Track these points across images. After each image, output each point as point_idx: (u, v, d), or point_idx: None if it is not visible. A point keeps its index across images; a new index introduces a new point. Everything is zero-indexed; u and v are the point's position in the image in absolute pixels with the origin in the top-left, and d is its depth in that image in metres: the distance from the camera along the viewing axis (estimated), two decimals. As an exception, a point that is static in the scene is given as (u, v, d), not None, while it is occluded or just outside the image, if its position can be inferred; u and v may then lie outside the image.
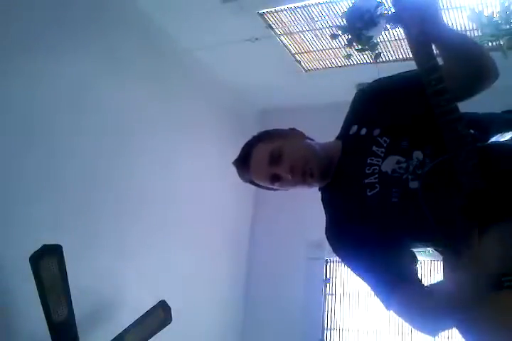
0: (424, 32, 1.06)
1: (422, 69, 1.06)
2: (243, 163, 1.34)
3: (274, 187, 1.34)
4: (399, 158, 1.20)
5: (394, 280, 1.16)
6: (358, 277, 1.25)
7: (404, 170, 1.19)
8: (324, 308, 3.75)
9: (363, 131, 1.28)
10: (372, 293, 1.21)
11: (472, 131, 1.06)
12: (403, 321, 1.18)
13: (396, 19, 1.09)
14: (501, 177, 1.04)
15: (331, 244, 1.29)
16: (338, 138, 1.37)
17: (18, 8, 2.31)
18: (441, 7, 2.89)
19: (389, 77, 1.32)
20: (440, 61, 1.12)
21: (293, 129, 1.39)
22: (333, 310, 3.75)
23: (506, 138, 1.10)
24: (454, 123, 1.04)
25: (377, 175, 1.21)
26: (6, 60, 2.25)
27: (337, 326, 3.73)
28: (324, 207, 1.35)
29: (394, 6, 1.09)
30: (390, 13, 1.11)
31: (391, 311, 1.18)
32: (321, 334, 3.70)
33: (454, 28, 3.00)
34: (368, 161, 1.23)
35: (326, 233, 1.31)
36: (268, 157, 1.28)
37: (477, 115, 1.22)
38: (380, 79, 1.34)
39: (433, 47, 1.09)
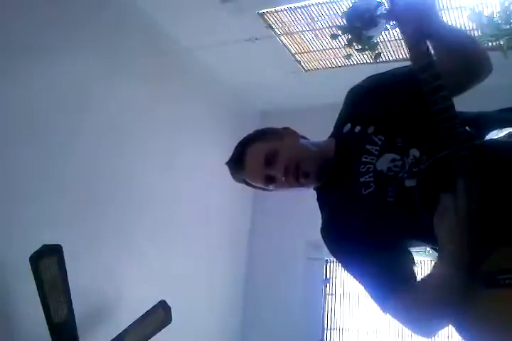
0: (420, 29, 1.05)
1: (418, 67, 1.06)
2: (237, 162, 1.32)
3: (269, 188, 1.32)
4: (394, 156, 1.19)
5: (391, 284, 1.14)
6: (353, 278, 1.24)
7: (399, 168, 1.18)
8: (324, 308, 3.75)
9: (357, 128, 1.27)
10: (368, 294, 1.20)
11: (468, 129, 1.06)
12: (399, 323, 1.18)
13: (391, 16, 1.09)
14: (499, 174, 1.04)
15: (327, 245, 1.28)
16: (331, 136, 1.36)
17: (17, 8, 2.31)
18: (440, 7, 2.89)
19: (381, 73, 1.31)
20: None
21: (286, 128, 1.37)
22: (333, 310, 3.76)
23: (502, 135, 1.10)
24: (451, 121, 1.04)
25: (371, 174, 1.20)
26: (6, 59, 2.25)
27: (337, 326, 3.73)
28: (320, 207, 1.34)
29: (389, 2, 1.08)
30: (385, 9, 1.10)
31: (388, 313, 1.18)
32: (321, 334, 3.70)
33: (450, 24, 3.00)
34: (363, 159, 1.22)
35: (321, 233, 1.29)
36: (263, 158, 1.26)
37: (473, 113, 1.22)
38: (372, 76, 1.33)
39: (428, 44, 1.09)
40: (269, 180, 1.28)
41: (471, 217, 1.04)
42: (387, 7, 1.10)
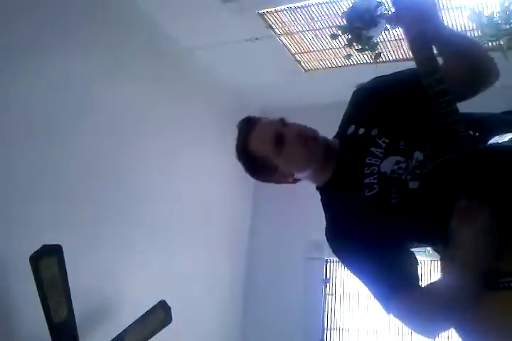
0: (424, 33, 1.06)
1: (423, 71, 1.06)
2: (248, 122, 1.32)
3: (268, 154, 1.27)
4: (399, 159, 1.19)
5: (394, 284, 1.15)
6: (357, 279, 1.24)
7: (403, 171, 1.18)
8: (324, 308, 3.75)
9: (361, 130, 1.27)
10: (372, 295, 1.20)
11: (472, 133, 1.06)
12: (402, 324, 1.18)
13: (395, 20, 1.09)
14: (500, 178, 1.04)
15: (331, 246, 1.28)
16: (335, 137, 1.36)
17: (17, 8, 2.31)
18: (440, 7, 2.89)
19: (386, 75, 1.32)
20: (440, 61, 1.12)
21: None
22: (333, 310, 3.76)
23: (505, 140, 1.10)
24: (454, 125, 1.04)
25: (376, 176, 1.21)
26: (7, 60, 2.25)
27: (337, 326, 3.73)
28: (324, 208, 1.34)
29: (393, 7, 1.09)
30: (390, 13, 1.11)
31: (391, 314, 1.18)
32: (321, 334, 3.70)
33: (454, 28, 3.00)
34: (367, 161, 1.23)
35: (325, 234, 1.29)
36: (277, 122, 1.29)
37: (477, 116, 1.22)
38: (376, 78, 1.33)
39: (433, 48, 1.09)
40: (278, 139, 1.25)
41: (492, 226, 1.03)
42: (391, 11, 1.10)
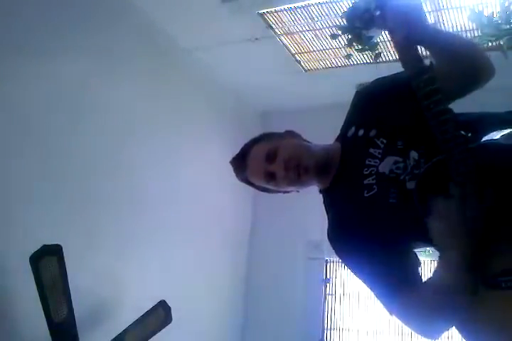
0: (409, 36, 1.06)
1: (410, 73, 1.07)
2: (240, 161, 1.36)
3: (270, 187, 1.35)
4: (396, 159, 1.20)
5: (395, 284, 1.15)
6: (359, 280, 1.24)
7: (401, 171, 1.18)
8: (324, 308, 3.75)
9: (361, 132, 1.28)
10: (374, 296, 1.21)
11: (463, 133, 1.06)
12: (404, 325, 1.18)
13: (381, 23, 1.10)
14: (495, 175, 1.04)
15: (333, 247, 1.28)
16: (337, 139, 1.37)
17: (14, 7, 2.31)
18: (440, 7, 2.89)
19: (385, 77, 1.33)
20: (433, 62, 1.12)
21: (290, 131, 1.41)
22: (333, 310, 3.76)
23: (498, 137, 1.10)
24: (445, 126, 1.04)
25: (374, 176, 1.21)
26: (2, 60, 2.24)
27: (337, 326, 3.73)
28: (326, 210, 1.35)
29: (379, 10, 1.10)
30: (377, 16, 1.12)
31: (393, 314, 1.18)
32: (321, 334, 3.70)
33: (454, 28, 3.00)
34: (366, 163, 1.23)
35: (327, 236, 1.30)
36: (264, 155, 1.30)
37: (471, 115, 1.22)
38: (377, 79, 1.34)
39: (418, 50, 1.09)
40: (270, 177, 1.30)
41: (468, 220, 1.04)
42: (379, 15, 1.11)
